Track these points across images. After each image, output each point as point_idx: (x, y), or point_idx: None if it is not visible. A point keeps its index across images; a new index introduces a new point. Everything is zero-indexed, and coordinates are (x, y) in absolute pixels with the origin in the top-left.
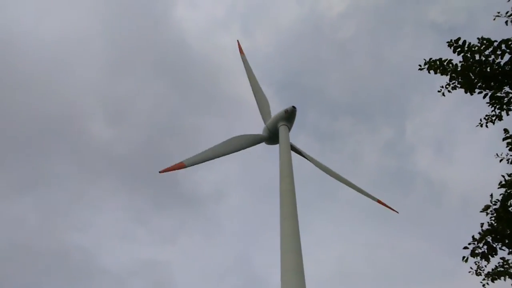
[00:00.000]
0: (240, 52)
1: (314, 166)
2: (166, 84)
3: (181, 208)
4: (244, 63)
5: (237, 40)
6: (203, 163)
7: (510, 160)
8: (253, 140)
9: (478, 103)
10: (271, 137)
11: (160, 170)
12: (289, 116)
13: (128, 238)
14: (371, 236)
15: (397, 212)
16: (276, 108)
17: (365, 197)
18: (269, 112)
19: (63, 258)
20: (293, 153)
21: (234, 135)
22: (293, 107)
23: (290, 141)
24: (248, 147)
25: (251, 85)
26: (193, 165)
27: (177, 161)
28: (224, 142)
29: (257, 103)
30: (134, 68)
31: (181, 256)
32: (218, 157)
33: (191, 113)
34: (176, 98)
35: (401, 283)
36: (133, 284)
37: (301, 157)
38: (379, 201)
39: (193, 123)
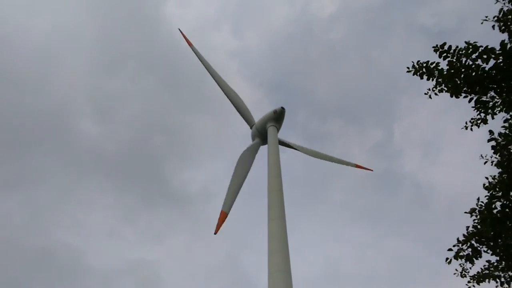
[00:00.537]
0: (188, 44)
1: (304, 160)
2: (156, 81)
3: (169, 207)
4: (196, 55)
5: (179, 29)
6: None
7: (494, 163)
8: (255, 151)
9: (466, 106)
10: (261, 138)
11: (214, 231)
12: (278, 116)
13: (116, 237)
14: (359, 237)
15: (372, 170)
16: (266, 109)
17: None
18: (248, 110)
19: (50, 256)
20: (282, 148)
21: (223, 135)
22: (282, 108)
23: (278, 137)
24: (254, 158)
25: (215, 80)
26: (231, 206)
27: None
28: (237, 170)
29: (230, 100)
30: (124, 65)
31: (169, 255)
32: (242, 184)
33: (181, 111)
34: (166, 96)
35: (388, 283)
36: (120, 283)
37: (290, 154)
38: (357, 165)
39: (183, 121)
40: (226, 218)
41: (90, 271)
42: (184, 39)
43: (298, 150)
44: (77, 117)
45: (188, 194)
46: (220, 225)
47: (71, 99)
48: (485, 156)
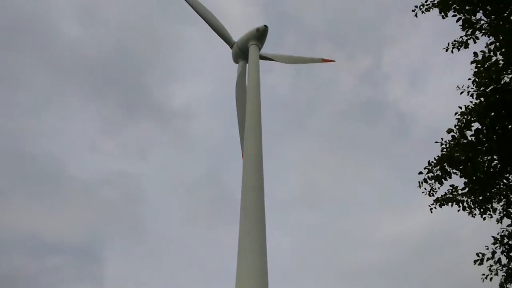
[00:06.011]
0: None
1: (290, 85)
2: None
3: (151, 121)
4: None
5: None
6: None
7: (470, 93)
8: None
9: (457, 35)
10: (239, 54)
11: None
12: (261, 35)
13: (98, 149)
14: (338, 163)
15: (334, 61)
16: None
17: None
18: (224, 28)
19: (30, 163)
20: (268, 69)
21: (211, 51)
22: (265, 26)
23: (261, 52)
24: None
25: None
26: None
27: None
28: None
29: (204, 20)
30: None
31: (151, 169)
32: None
33: (168, 19)
34: (154, 1)
35: (365, 205)
36: (102, 194)
37: (276, 78)
38: (324, 60)
39: (170, 31)
40: None
41: (72, 180)
42: None
43: (276, 61)
44: (59, 18)
45: (170, 109)
46: None
47: None
48: (462, 87)
